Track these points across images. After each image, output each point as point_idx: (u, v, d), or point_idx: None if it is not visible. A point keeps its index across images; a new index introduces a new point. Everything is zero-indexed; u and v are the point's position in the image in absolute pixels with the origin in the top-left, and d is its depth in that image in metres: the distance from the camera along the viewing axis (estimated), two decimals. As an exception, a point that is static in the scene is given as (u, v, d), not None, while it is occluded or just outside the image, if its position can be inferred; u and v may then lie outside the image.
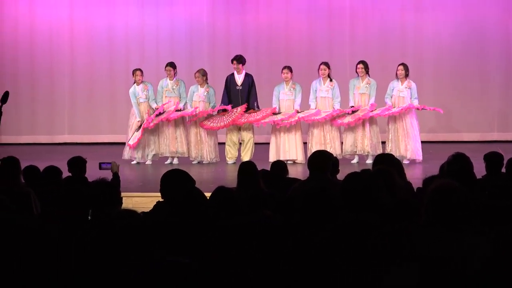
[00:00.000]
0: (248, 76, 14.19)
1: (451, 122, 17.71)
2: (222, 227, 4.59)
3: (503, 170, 7.86)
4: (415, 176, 10.76)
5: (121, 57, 18.18)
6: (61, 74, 18.42)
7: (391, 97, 13.77)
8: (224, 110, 13.99)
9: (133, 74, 14.38)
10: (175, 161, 14.18)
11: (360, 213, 5.00)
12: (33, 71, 18.42)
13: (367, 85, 13.81)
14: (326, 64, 14.03)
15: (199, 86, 14.15)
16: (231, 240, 3.83)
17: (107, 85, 18.23)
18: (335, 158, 7.83)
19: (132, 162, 14.12)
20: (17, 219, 4.10)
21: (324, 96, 13.93)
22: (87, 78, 18.36)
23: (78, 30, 18.36)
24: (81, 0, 18.36)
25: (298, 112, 13.88)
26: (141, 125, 14.02)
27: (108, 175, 7.67)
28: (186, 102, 14.15)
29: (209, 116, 14.01)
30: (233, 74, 14.26)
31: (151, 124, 13.96)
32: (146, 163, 14.19)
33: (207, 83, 14.21)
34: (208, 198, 5.51)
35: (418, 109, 13.68)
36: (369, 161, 13.32)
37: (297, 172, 12.18)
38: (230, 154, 14.16)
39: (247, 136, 14.09)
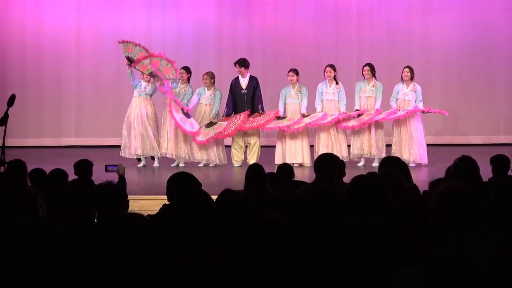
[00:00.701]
0: (252, 79, 14.17)
1: (458, 124, 17.68)
2: (223, 227, 4.59)
3: (510, 173, 7.86)
4: (421, 179, 10.75)
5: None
6: (68, 77, 18.45)
7: (396, 100, 13.76)
8: (228, 115, 14.02)
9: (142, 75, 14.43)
10: (181, 163, 14.18)
11: (365, 215, 5.00)
12: (40, 74, 18.46)
13: (373, 88, 13.80)
14: (332, 66, 14.02)
15: (206, 88, 14.15)
16: (231, 240, 3.83)
17: (113, 88, 18.24)
18: (342, 161, 7.82)
19: (138, 165, 14.11)
20: (23, 221, 4.11)
21: (330, 99, 13.93)
22: (94, 81, 18.38)
23: (85, 34, 18.39)
24: (88, 3, 18.39)
25: (304, 116, 13.86)
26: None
27: (114, 177, 7.68)
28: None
29: (210, 124, 13.99)
30: (238, 78, 14.26)
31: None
32: (153, 165, 14.18)
33: (214, 86, 14.21)
34: (214, 201, 5.51)
35: (423, 112, 13.66)
36: (375, 164, 13.32)
37: (304, 175, 12.16)
38: (236, 157, 14.16)
39: (253, 139, 14.09)
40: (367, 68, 13.88)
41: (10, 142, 17.06)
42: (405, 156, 13.39)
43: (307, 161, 13.81)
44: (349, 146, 13.99)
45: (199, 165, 14.04)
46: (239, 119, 13.90)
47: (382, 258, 4.27)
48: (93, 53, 18.37)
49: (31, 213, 6.22)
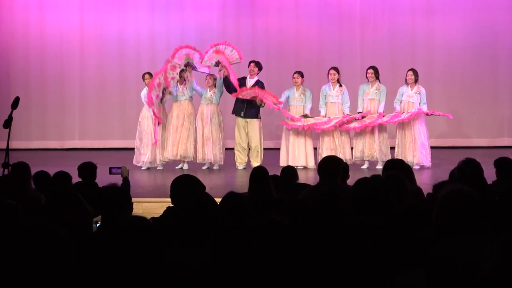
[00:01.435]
0: (258, 83, 14.15)
1: (461, 127, 17.67)
2: (224, 228, 4.60)
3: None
4: (425, 182, 10.75)
5: (131, 63, 18.21)
6: (72, 80, 18.46)
7: (401, 102, 13.76)
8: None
9: (143, 78, 14.40)
10: (185, 166, 14.18)
11: (366, 216, 5.01)
12: (44, 77, 18.47)
13: (377, 91, 13.79)
14: (336, 69, 14.03)
15: (208, 89, 14.15)
16: (231, 241, 3.84)
17: (117, 90, 18.26)
18: (345, 163, 7.82)
19: (142, 168, 14.12)
20: (26, 222, 4.12)
21: (334, 101, 13.94)
22: (98, 83, 18.39)
23: (89, 36, 18.41)
24: (92, 6, 18.40)
25: (308, 116, 13.86)
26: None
27: (118, 180, 7.68)
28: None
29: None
30: (245, 77, 14.22)
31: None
32: (157, 168, 14.19)
33: (215, 86, 14.19)
34: (218, 203, 5.51)
35: (427, 114, 13.66)
36: (379, 166, 13.31)
37: (308, 177, 12.16)
38: (240, 159, 14.15)
39: (254, 142, 14.06)
40: (371, 71, 13.88)
41: (14, 144, 17.00)
42: (409, 158, 13.38)
43: (311, 164, 13.80)
44: (352, 149, 13.99)
45: (202, 168, 14.04)
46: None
47: (385, 259, 4.27)
48: (96, 55, 18.38)
49: (35, 215, 6.21)
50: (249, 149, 14.19)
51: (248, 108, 14.03)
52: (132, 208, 5.90)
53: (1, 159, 9.71)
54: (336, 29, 17.93)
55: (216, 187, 10.91)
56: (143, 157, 14.17)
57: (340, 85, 13.98)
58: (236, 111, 14.15)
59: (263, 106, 13.99)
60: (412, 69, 13.87)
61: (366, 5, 17.95)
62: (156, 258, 3.42)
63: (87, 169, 8.54)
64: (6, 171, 9.27)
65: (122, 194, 5.77)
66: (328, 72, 14.02)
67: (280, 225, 4.25)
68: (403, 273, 4.04)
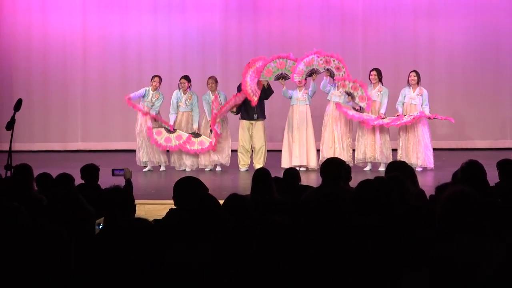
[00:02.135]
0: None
1: (464, 129, 17.66)
2: (225, 229, 4.60)
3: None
4: (427, 184, 10.73)
5: (134, 65, 18.24)
6: (74, 82, 18.48)
7: (403, 104, 13.75)
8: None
9: (151, 79, 14.40)
10: (188, 168, 14.18)
11: (368, 216, 5.00)
12: (46, 79, 18.49)
13: (379, 93, 13.79)
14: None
15: (210, 93, 14.15)
16: (232, 241, 3.84)
17: (120, 92, 18.21)
18: (348, 165, 7.82)
19: (144, 170, 14.13)
20: (28, 224, 4.12)
21: (336, 101, 13.95)
22: (100, 85, 18.41)
23: (91, 38, 18.43)
24: (94, 7, 18.42)
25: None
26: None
27: (121, 181, 7.68)
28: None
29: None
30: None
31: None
32: (160, 170, 14.20)
33: (217, 90, 14.21)
34: (221, 205, 5.51)
35: (429, 118, 13.64)
36: (382, 168, 13.30)
37: (311, 179, 12.16)
38: (243, 161, 14.15)
39: (258, 143, 14.06)
40: (374, 72, 13.88)
41: (17, 146, 17.13)
42: (412, 160, 13.37)
43: (314, 164, 13.76)
44: (354, 150, 13.98)
45: (205, 170, 14.04)
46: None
47: (387, 260, 4.27)
48: (99, 57, 18.39)
49: (38, 217, 6.21)
50: (253, 151, 14.19)
51: (258, 110, 14.03)
52: (135, 210, 5.90)
53: (4, 161, 9.72)
54: (339, 31, 17.94)
55: (218, 189, 10.91)
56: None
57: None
58: (248, 117, 14.08)
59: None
60: (415, 71, 13.87)
61: (368, 7, 17.96)
62: (156, 258, 3.42)
63: (90, 171, 8.54)
64: (8, 173, 9.27)
65: (124, 196, 5.77)
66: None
67: (281, 225, 4.25)
68: (406, 274, 4.04)
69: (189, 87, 14.24)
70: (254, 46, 17.92)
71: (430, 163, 13.65)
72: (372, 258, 4.20)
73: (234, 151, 14.39)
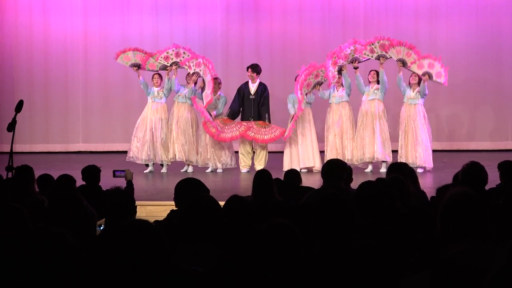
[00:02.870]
0: (261, 86, 14.16)
1: (465, 130, 17.65)
2: (227, 232, 4.59)
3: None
4: (428, 185, 10.73)
5: (135, 66, 18.22)
6: (76, 83, 18.48)
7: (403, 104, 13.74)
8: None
9: (152, 79, 14.43)
10: (190, 169, 14.18)
11: (370, 219, 4.99)
12: (48, 80, 18.50)
13: (376, 91, 13.79)
14: (340, 72, 14.04)
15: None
16: (234, 244, 3.83)
17: (121, 93, 18.27)
18: (349, 167, 7.83)
19: (145, 171, 14.12)
20: (33, 226, 4.12)
21: (338, 102, 13.96)
22: (101, 87, 18.41)
23: (92, 39, 18.43)
24: (95, 9, 18.42)
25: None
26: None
27: (122, 183, 7.69)
28: None
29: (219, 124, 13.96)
30: (247, 82, 14.24)
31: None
32: (161, 171, 14.20)
33: (219, 92, 14.21)
34: (222, 207, 5.51)
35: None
36: (383, 169, 13.30)
37: (312, 181, 12.15)
38: (244, 162, 14.15)
39: (260, 145, 14.05)
40: (373, 72, 13.92)
41: (18, 148, 17.14)
42: (411, 159, 13.35)
43: (318, 165, 13.71)
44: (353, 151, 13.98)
45: (206, 171, 14.04)
46: (243, 126, 13.90)
47: (388, 262, 4.27)
48: (100, 58, 18.38)
49: (39, 219, 6.22)
50: (254, 152, 14.18)
51: (255, 112, 14.01)
52: (136, 211, 5.91)
53: (5, 162, 9.72)
54: (340, 32, 17.91)
55: (219, 190, 10.91)
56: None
57: (343, 85, 13.98)
58: (245, 117, 14.09)
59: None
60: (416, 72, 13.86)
61: (369, 8, 17.95)
62: (157, 260, 3.42)
63: (91, 172, 8.55)
64: (10, 174, 9.28)
65: (125, 197, 5.78)
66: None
67: (283, 227, 4.25)
68: (407, 277, 4.04)
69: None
70: (256, 47, 17.92)
71: (429, 163, 13.60)
72: (374, 260, 4.20)
73: (235, 153, 14.37)
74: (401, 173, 6.79)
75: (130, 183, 8.50)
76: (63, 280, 3.42)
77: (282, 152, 14.19)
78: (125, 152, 14.65)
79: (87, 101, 18.49)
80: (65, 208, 4.80)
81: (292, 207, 6.27)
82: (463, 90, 17.66)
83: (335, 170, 7.06)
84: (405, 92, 13.70)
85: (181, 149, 14.02)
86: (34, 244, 3.43)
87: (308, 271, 4.04)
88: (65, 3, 18.45)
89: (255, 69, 14.20)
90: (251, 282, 3.67)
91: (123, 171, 8.59)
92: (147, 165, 14.24)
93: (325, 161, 9.43)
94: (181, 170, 14.11)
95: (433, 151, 13.80)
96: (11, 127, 9.85)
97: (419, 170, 13.16)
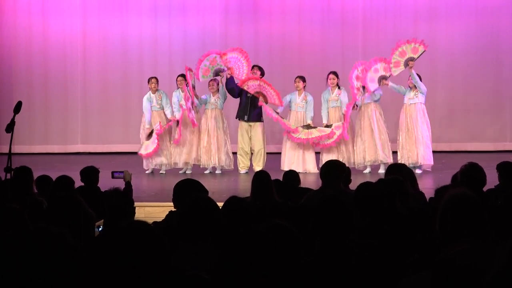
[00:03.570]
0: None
1: (464, 131, 17.65)
2: (226, 233, 4.59)
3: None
4: (427, 186, 10.73)
5: (134, 67, 18.23)
6: (74, 84, 18.48)
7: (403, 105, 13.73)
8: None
9: (148, 82, 14.42)
10: (189, 170, 14.18)
11: (370, 220, 4.99)
12: (46, 81, 18.49)
13: (373, 93, 13.78)
14: (335, 73, 14.03)
15: (211, 94, 14.13)
16: (233, 245, 3.83)
17: (120, 95, 18.27)
18: (348, 168, 7.83)
19: (146, 172, 14.12)
20: (32, 226, 4.12)
21: (334, 106, 13.93)
22: (100, 88, 18.41)
23: (91, 40, 18.43)
24: (94, 10, 18.42)
25: (310, 126, 13.82)
26: (151, 133, 14.00)
27: (120, 184, 7.69)
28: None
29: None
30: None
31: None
32: (160, 172, 14.19)
33: (218, 91, 14.19)
34: (220, 208, 5.51)
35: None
36: (381, 170, 13.29)
37: (311, 182, 12.15)
38: (242, 163, 14.14)
39: (257, 145, 14.04)
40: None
41: (16, 149, 17.08)
42: (412, 159, 13.33)
43: (314, 169, 13.72)
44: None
45: (205, 172, 14.03)
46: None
47: (388, 262, 4.27)
48: (99, 59, 18.39)
49: (38, 220, 6.22)
50: (252, 153, 14.17)
51: (251, 111, 14.00)
52: (135, 213, 5.91)
53: (4, 163, 9.72)
54: (339, 33, 17.93)
55: (218, 192, 10.91)
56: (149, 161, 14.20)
57: (339, 88, 13.98)
58: (240, 116, 14.11)
59: (266, 103, 13.93)
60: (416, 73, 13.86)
61: (368, 9, 17.95)
62: (156, 262, 3.42)
63: (90, 173, 8.54)
64: (8, 175, 9.27)
65: (124, 198, 5.78)
66: (327, 77, 14.01)
67: (281, 228, 4.25)
68: (407, 277, 4.04)
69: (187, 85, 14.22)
70: (255, 48, 17.90)
71: (429, 160, 13.56)
72: (372, 259, 4.20)
73: (233, 154, 14.37)
74: (400, 174, 6.79)
75: (128, 184, 8.49)
76: (63, 280, 3.42)
77: (280, 153, 14.16)
78: (124, 153, 14.67)
79: (85, 102, 18.49)
80: (63, 209, 4.80)
81: (291, 208, 6.28)
82: (462, 91, 17.66)
83: (334, 171, 7.06)
84: (406, 93, 13.69)
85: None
86: (34, 244, 3.43)
87: (308, 271, 4.04)
88: (64, 4, 18.45)
89: (260, 68, 14.23)
90: (251, 282, 3.67)
91: (122, 172, 8.59)
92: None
93: (321, 163, 9.41)
94: (180, 172, 14.10)
95: (432, 152, 13.78)
96: (10, 128, 9.85)
97: (418, 171, 13.16)
